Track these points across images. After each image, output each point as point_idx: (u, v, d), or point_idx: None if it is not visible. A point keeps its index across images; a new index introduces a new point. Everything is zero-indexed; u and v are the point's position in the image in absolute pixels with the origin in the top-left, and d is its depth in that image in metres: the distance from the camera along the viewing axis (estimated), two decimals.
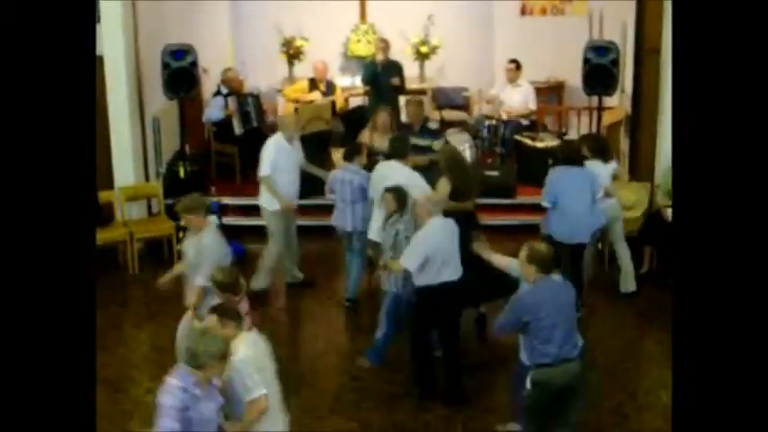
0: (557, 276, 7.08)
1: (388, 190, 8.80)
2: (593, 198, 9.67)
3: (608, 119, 12.96)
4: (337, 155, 12.98)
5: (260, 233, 10.75)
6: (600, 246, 11.39)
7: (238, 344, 6.03)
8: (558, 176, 9.75)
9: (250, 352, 6.08)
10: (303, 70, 15.23)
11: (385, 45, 13.23)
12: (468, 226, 8.77)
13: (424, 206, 8.26)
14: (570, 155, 10.00)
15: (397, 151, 9.80)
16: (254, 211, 10.84)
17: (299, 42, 15.53)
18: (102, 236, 10.59)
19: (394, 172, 9.45)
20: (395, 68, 13.12)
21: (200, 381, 5.59)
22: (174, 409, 5.51)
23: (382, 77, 12.90)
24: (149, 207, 12.24)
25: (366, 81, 13.25)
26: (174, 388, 5.57)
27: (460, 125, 14.05)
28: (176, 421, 5.50)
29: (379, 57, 13.09)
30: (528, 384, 6.97)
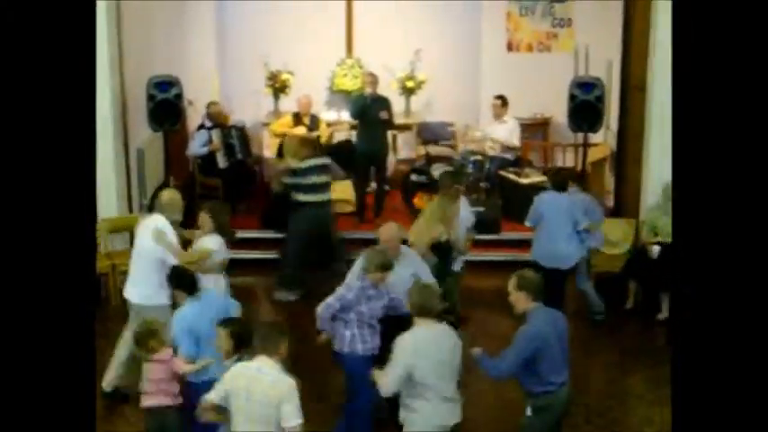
0: None
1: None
2: (574, 226, 10.04)
3: (593, 155, 12.98)
4: None
5: (243, 265, 10.66)
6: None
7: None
8: (544, 200, 10.21)
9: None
10: (289, 104, 15.19)
11: (373, 79, 13.23)
12: None
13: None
14: (559, 181, 10.36)
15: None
16: (238, 244, 10.75)
17: (284, 76, 15.54)
18: None
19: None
20: (383, 103, 13.11)
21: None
22: (346, 299, 7.73)
23: (371, 111, 12.89)
24: (132, 239, 12.15)
25: (355, 115, 13.21)
26: (354, 287, 7.78)
27: (446, 160, 14.07)
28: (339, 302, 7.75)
29: (368, 91, 13.09)
30: (529, 411, 6.95)
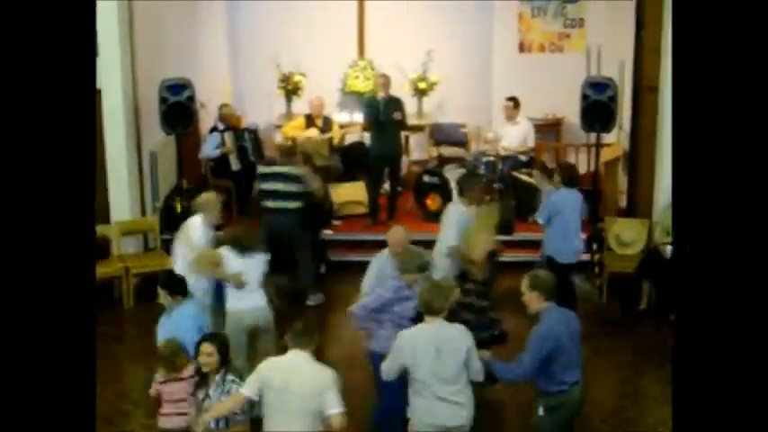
0: None
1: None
2: (580, 221, 10.25)
3: (606, 155, 12.94)
4: (338, 190, 13.00)
5: None
6: (599, 282, 11.36)
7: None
8: (557, 197, 10.21)
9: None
10: (301, 106, 15.17)
11: (386, 81, 13.22)
12: None
13: None
14: (569, 177, 10.34)
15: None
16: None
17: (296, 78, 15.53)
18: (98, 270, 10.43)
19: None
20: (396, 104, 13.09)
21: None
22: (384, 298, 7.75)
23: (384, 113, 12.88)
24: (146, 242, 12.20)
25: (368, 117, 13.19)
26: (390, 287, 7.79)
27: (458, 161, 14.06)
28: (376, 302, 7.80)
29: (381, 93, 13.08)
30: (541, 411, 6.97)
